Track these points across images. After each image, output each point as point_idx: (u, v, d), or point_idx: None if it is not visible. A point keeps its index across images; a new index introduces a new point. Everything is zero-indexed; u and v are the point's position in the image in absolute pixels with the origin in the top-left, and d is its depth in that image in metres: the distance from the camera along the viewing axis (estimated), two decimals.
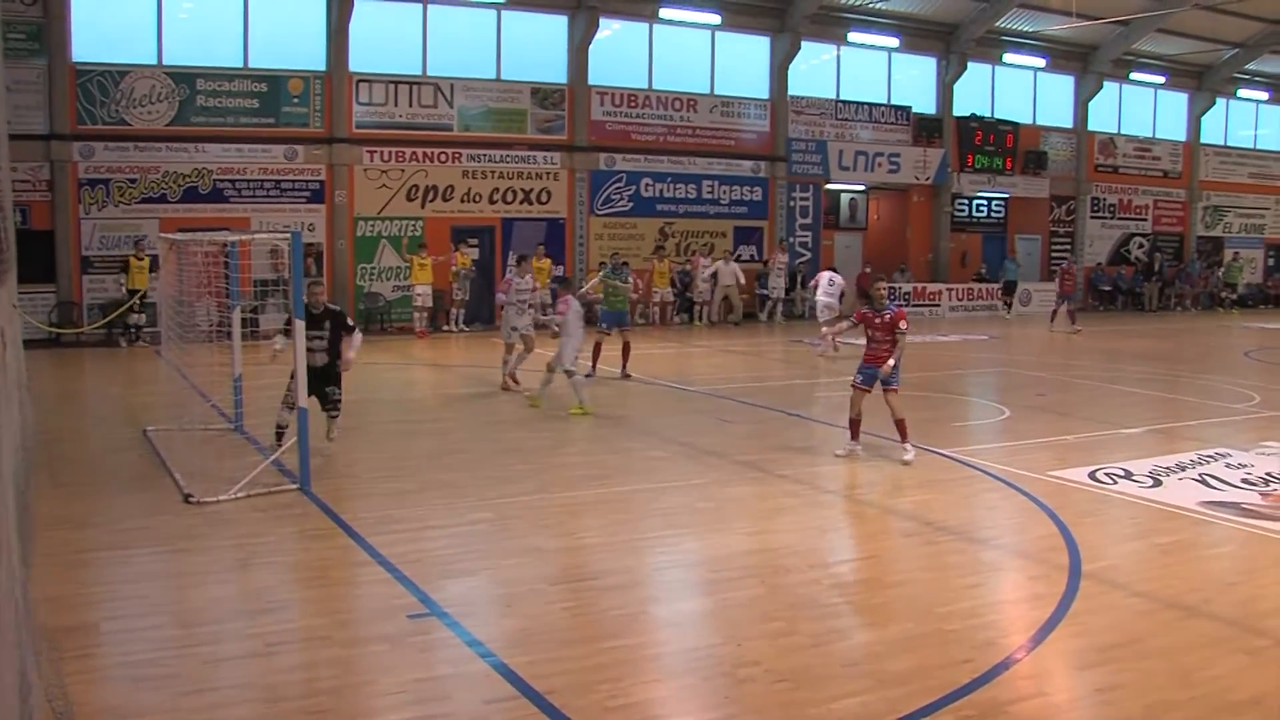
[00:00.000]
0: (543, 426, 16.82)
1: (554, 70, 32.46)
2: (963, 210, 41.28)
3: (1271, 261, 52.16)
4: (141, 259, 26.73)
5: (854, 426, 15.04)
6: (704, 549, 10.76)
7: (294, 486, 12.28)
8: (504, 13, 31.52)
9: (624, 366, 22.02)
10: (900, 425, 14.72)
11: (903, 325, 14.69)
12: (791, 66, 35.76)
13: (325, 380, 14.22)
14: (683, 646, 8.32)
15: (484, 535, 10.93)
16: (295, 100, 29.40)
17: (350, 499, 12.12)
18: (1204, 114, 47.92)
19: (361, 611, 8.88)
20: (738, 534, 11.20)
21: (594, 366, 21.83)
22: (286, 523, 11.20)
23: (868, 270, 34.14)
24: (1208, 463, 15.04)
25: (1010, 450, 15.69)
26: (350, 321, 14.49)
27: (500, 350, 20.88)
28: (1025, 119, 42.14)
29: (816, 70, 37.03)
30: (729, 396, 19.90)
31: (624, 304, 22.58)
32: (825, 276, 26.94)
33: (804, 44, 35.48)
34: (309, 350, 13.09)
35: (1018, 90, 42.16)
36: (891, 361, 14.59)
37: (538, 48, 32.18)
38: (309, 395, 12.83)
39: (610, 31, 33.00)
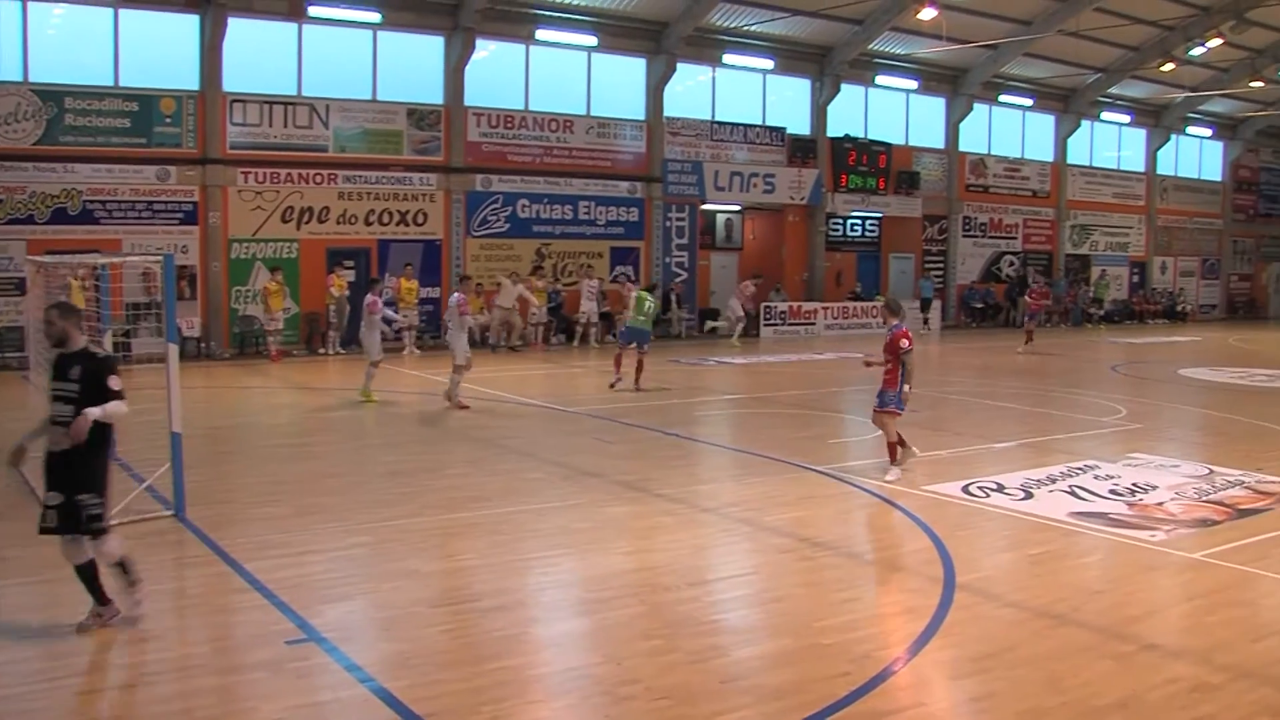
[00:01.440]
0: (420, 449, 16.75)
1: (430, 91, 32.35)
2: (837, 230, 41.84)
3: (1136, 278, 53.60)
4: None
5: (893, 450, 15.19)
6: (583, 569, 10.79)
7: (169, 513, 12.08)
8: (380, 33, 31.32)
9: (637, 380, 23.25)
10: (892, 448, 15.16)
11: (905, 344, 14.97)
12: (667, 88, 36.03)
13: (66, 477, 8.65)
14: (563, 666, 8.34)
15: (362, 559, 10.86)
16: (168, 120, 28.95)
17: (227, 525, 11.94)
18: (1070, 136, 49.18)
19: (239, 638, 8.79)
20: (616, 553, 11.25)
21: (618, 373, 23.74)
22: (161, 550, 11.02)
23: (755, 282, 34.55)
24: (1077, 475, 15.42)
25: (885, 466, 15.74)
26: (113, 383, 8.62)
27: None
28: (898, 140, 42.87)
29: (692, 92, 37.32)
30: (607, 417, 19.95)
31: (649, 324, 23.90)
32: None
33: (680, 66, 35.77)
34: (50, 420, 8.79)
35: (890, 112, 42.86)
36: (908, 387, 15.01)
37: (414, 68, 32.05)
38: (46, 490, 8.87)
39: (487, 52, 32.98)
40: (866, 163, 41.14)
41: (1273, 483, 15.30)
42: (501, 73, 33.46)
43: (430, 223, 32.32)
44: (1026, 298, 38.83)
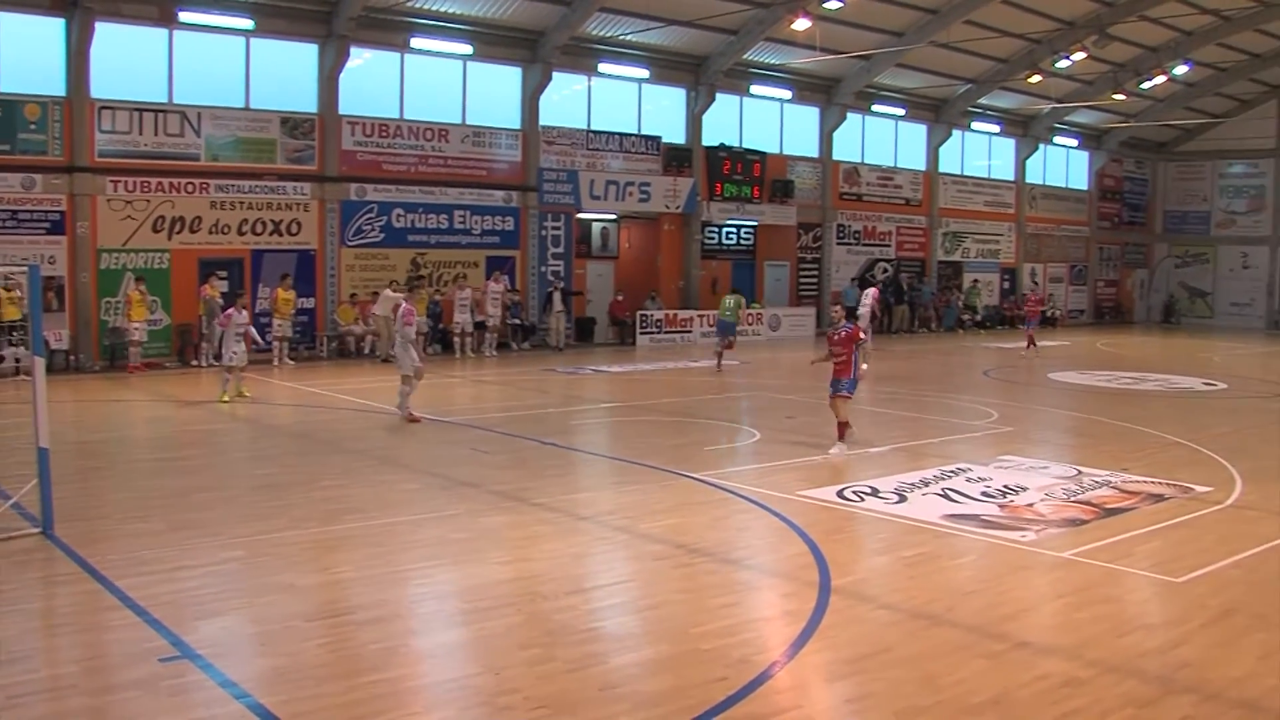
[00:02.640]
0: (295, 461, 16.56)
1: (304, 99, 31.93)
2: (712, 238, 42.08)
3: (1007, 284, 54.65)
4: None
5: (842, 430, 17.70)
6: (460, 579, 10.79)
7: (36, 530, 11.80)
8: (252, 40, 30.85)
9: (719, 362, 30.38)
10: (841, 427, 17.60)
11: (862, 337, 18.01)
12: (543, 97, 35.96)
13: None
14: (442, 678, 8.33)
15: (236, 574, 10.72)
16: (32, 127, 28.23)
17: (97, 541, 11.70)
18: (941, 145, 50.01)
19: (111, 657, 8.63)
20: (493, 563, 11.23)
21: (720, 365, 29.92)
22: (28, 569, 10.79)
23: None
24: (950, 478, 15.72)
25: (761, 472, 16.08)
26: None
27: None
28: (773, 149, 43.21)
29: (568, 101, 37.33)
30: (483, 427, 19.90)
31: (733, 318, 31.33)
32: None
33: (555, 75, 35.75)
34: None
35: (765, 121, 43.21)
36: (865, 365, 18.16)
37: (287, 76, 31.58)
38: None
39: (361, 60, 32.65)
40: (741, 171, 41.44)
41: (1138, 482, 15.75)
42: (376, 81, 33.15)
43: (304, 232, 31.93)
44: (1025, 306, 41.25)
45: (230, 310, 22.86)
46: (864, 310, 34.26)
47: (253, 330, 23.36)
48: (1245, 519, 13.96)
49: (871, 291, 36.29)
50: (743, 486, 14.87)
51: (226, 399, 22.21)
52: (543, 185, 36.15)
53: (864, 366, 18.06)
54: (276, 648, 8.75)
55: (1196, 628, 9.80)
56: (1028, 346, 37.88)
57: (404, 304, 20.99)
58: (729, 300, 31.42)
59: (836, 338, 17.82)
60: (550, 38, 34.89)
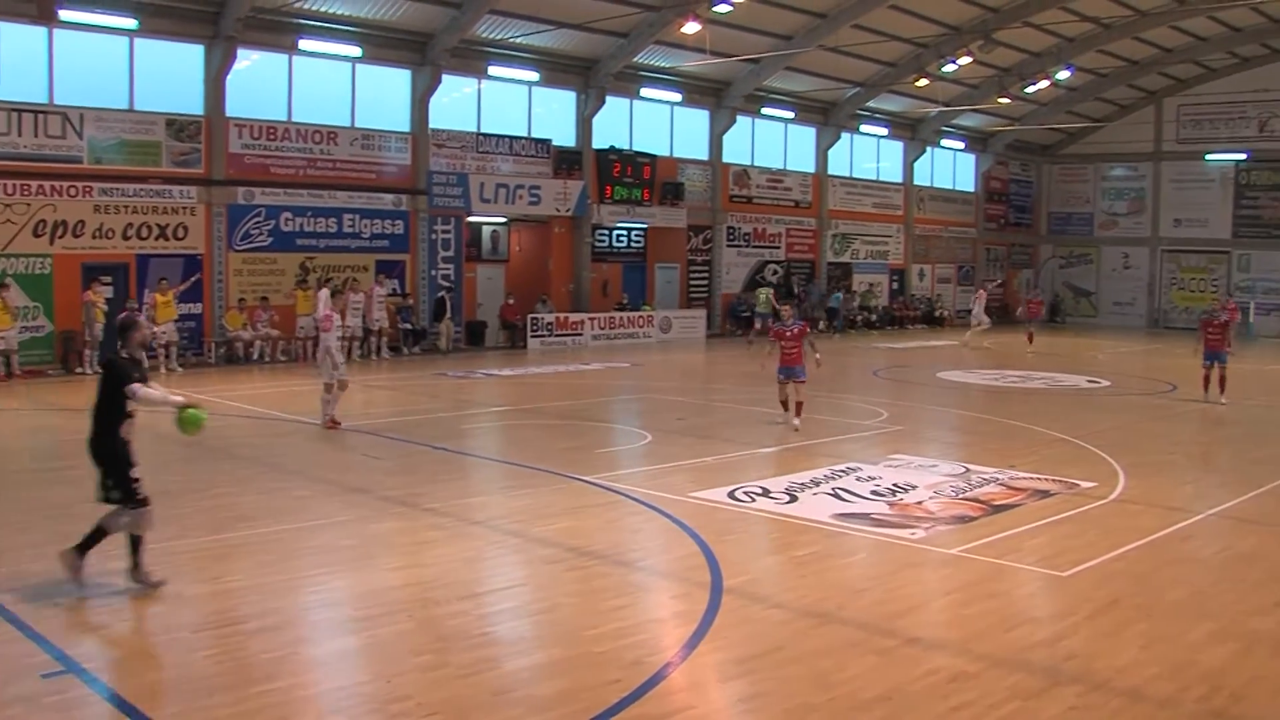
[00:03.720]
0: (184, 469, 16.24)
1: (190, 101, 31.35)
2: (603, 241, 42.11)
3: (895, 285, 55.33)
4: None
5: (785, 405, 20.89)
6: (351, 586, 10.73)
7: None
8: (137, 40, 30.27)
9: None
10: (799, 406, 20.50)
11: (809, 331, 21.14)
12: (433, 100, 35.77)
13: None
14: (333, 686, 8.30)
15: (122, 585, 10.48)
16: None
17: None
18: (830, 147, 50.49)
19: None
20: (385, 569, 11.20)
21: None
22: None
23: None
24: (840, 477, 15.94)
25: (652, 474, 16.20)
26: None
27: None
28: (663, 151, 43.35)
29: (458, 103, 37.12)
30: (375, 432, 19.77)
31: (769, 309, 35.77)
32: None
33: (445, 77, 35.55)
34: None
35: (655, 124, 43.38)
36: (819, 356, 21.51)
37: (173, 78, 30.97)
38: None
39: (249, 62, 32.21)
40: (631, 174, 41.50)
41: (1025, 479, 16.14)
42: (264, 83, 32.70)
43: (191, 237, 31.40)
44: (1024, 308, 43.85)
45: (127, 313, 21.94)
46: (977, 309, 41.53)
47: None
48: (1128, 513, 14.34)
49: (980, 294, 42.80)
50: (634, 489, 14.94)
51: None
52: (432, 188, 35.94)
53: (819, 357, 21.54)
54: (164, 659, 8.67)
55: (1082, 620, 10.06)
56: (1029, 341, 40.86)
57: (322, 307, 20.73)
58: (761, 294, 40.10)
59: (789, 334, 20.64)
60: (440, 40, 34.70)
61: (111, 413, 10.27)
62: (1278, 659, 9.27)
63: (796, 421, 20.35)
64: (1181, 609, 10.51)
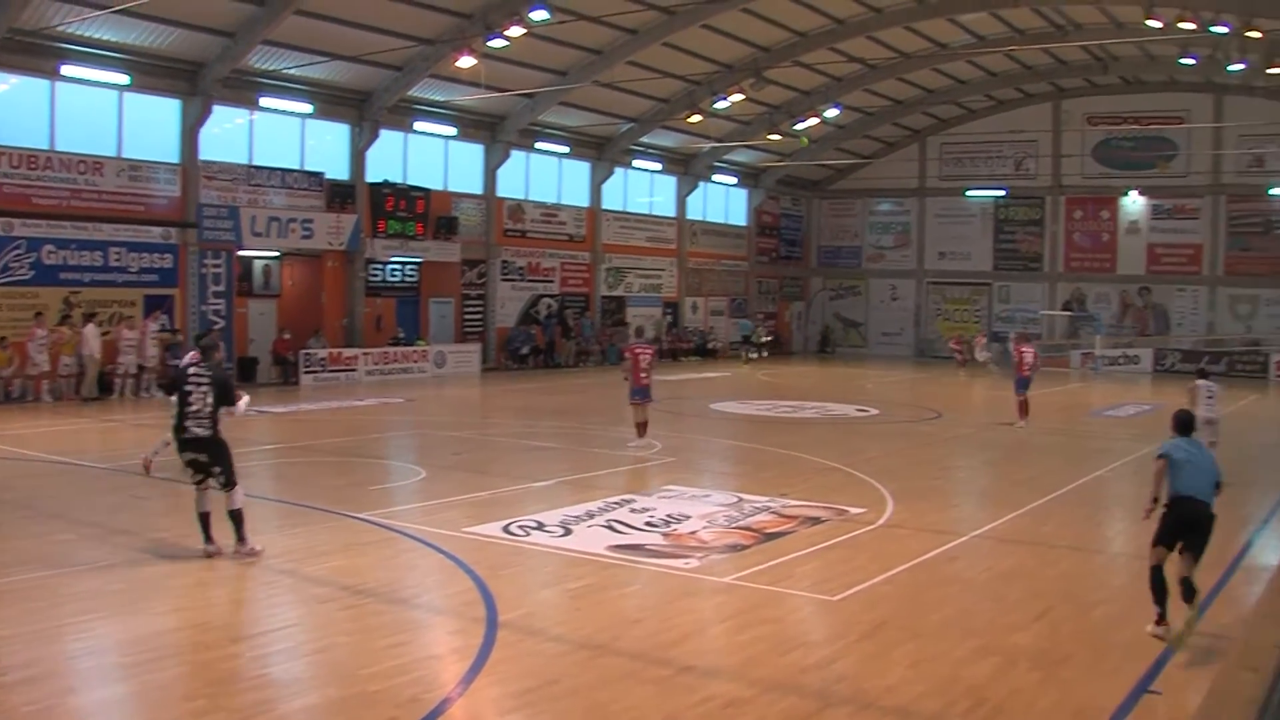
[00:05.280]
0: None
1: None
2: (377, 275, 41.99)
3: (669, 318, 56.33)
4: None
5: (640, 428, 22.59)
6: (120, 632, 10.57)
7: None
8: None
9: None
10: (642, 427, 22.43)
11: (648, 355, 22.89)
12: (203, 130, 35.31)
13: None
14: None
15: None
16: None
17: None
18: (604, 182, 51.23)
19: None
20: (155, 613, 11.11)
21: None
22: None
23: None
24: (615, 509, 16.28)
25: (427, 510, 16.32)
26: None
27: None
28: (437, 185, 43.45)
29: (229, 134, 36.70)
30: (139, 472, 19.45)
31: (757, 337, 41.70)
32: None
33: (216, 108, 35.14)
34: None
35: (429, 157, 43.47)
36: (647, 378, 22.55)
37: None
38: None
39: (8, 86, 31.43)
40: (405, 208, 41.51)
41: (796, 507, 16.74)
42: (24, 110, 31.90)
43: None
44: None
45: None
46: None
47: None
48: (895, 537, 15.06)
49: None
50: (409, 525, 15.04)
51: None
52: (202, 221, 35.39)
53: (647, 378, 22.82)
54: None
55: (852, 642, 10.60)
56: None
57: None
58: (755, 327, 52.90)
59: (650, 354, 22.86)
60: (211, 70, 34.28)
61: None
62: (1036, 671, 9.88)
63: (635, 443, 22.43)
64: (947, 628, 11.12)
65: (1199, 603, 10.85)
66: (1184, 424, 11.54)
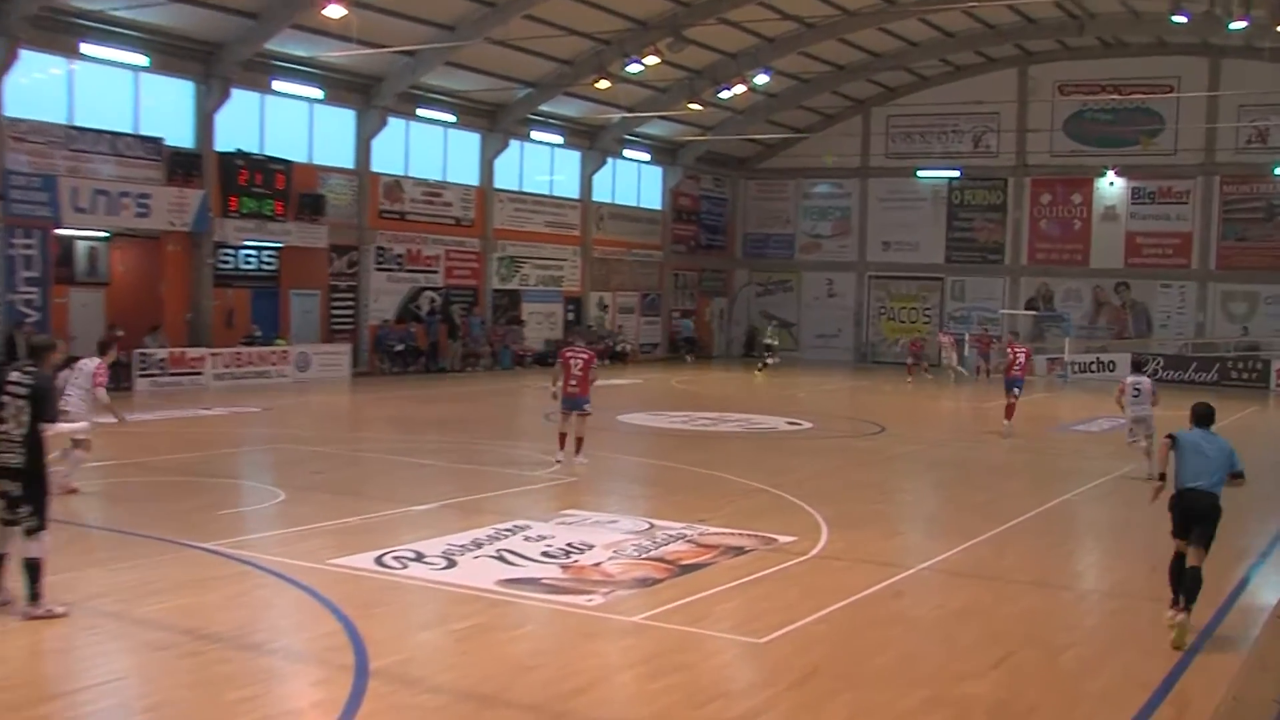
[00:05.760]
0: None
1: None
2: (228, 262, 41.05)
3: (571, 315, 55.83)
4: None
5: (563, 441, 22.51)
6: None
7: None
8: None
9: None
10: (580, 442, 22.37)
11: (595, 362, 23.30)
12: (8, 80, 33.94)
13: None
14: None
15: None
16: None
17: None
18: (497, 157, 50.70)
19: None
20: None
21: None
22: None
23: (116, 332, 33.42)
24: (506, 537, 16.15)
25: (286, 538, 16.14)
26: None
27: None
28: (301, 157, 42.70)
29: (44, 87, 35.51)
30: None
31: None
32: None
33: (24, 54, 33.66)
34: None
35: (292, 125, 42.77)
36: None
37: None
38: None
39: None
40: (262, 183, 40.61)
41: (717, 534, 16.65)
42: None
43: None
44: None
45: None
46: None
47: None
48: (831, 570, 14.95)
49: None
50: (264, 557, 14.79)
51: None
52: (10, 192, 34.29)
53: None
54: None
55: (781, 691, 10.44)
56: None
57: (98, 360, 19.62)
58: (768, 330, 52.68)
59: (582, 360, 22.65)
60: (19, 6, 32.90)
61: None
62: None
63: (581, 459, 22.31)
64: (890, 675, 11.01)
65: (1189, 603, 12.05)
66: (1201, 416, 12.84)
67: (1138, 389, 22.73)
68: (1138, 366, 25.09)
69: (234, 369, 39.29)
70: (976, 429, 31.72)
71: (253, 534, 16.45)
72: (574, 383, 22.43)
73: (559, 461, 22.26)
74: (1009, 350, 32.04)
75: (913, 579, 14.85)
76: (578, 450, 22.29)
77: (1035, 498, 21.30)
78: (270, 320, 42.38)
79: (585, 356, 22.87)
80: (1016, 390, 30.28)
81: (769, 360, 51.83)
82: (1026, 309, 58.55)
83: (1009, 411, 30.12)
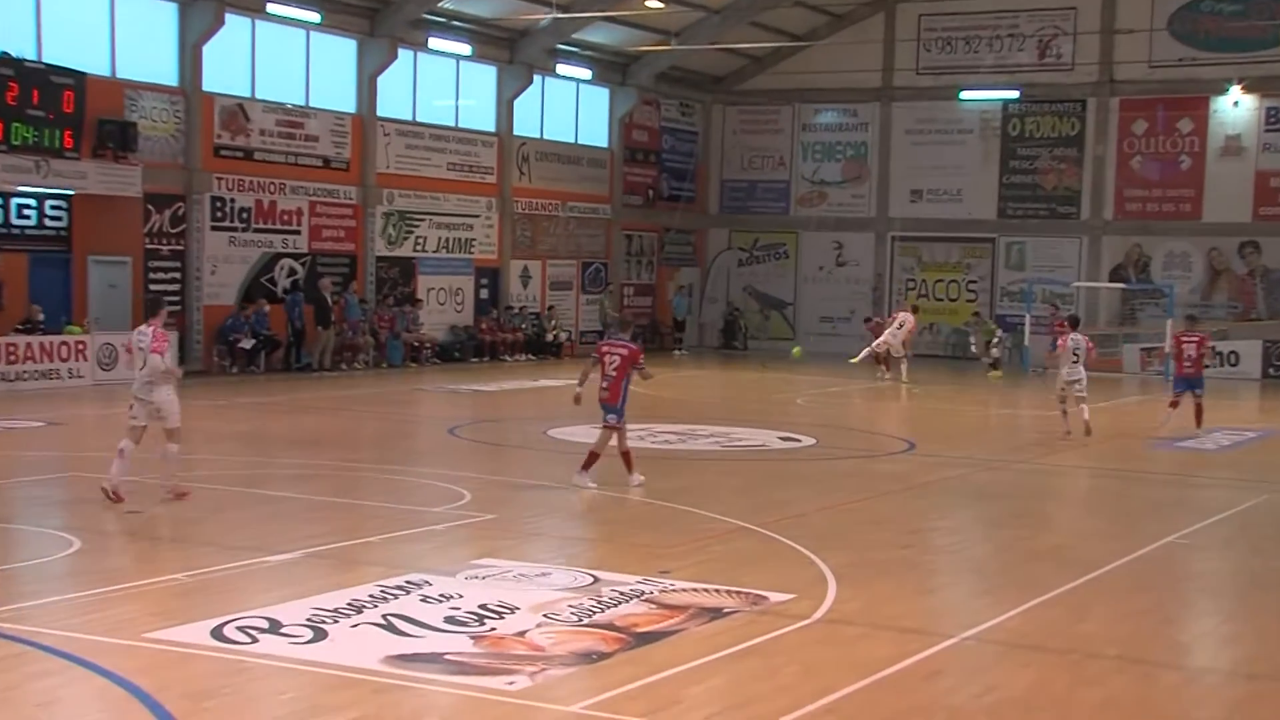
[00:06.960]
0: None
1: None
2: None
3: (485, 293, 55.54)
4: None
5: (592, 459, 23.79)
6: None
7: None
8: None
9: None
10: (593, 457, 23.79)
11: (641, 358, 24.06)
12: None
13: None
14: None
15: None
16: None
17: None
18: (381, 73, 50.53)
19: None
20: None
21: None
22: None
23: None
24: (396, 597, 16.02)
25: (82, 605, 15.86)
26: None
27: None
28: (100, 69, 42.39)
29: None
30: None
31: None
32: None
33: None
34: None
35: (84, 20, 42.57)
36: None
37: None
38: None
39: None
40: (41, 103, 40.08)
41: (685, 591, 16.54)
42: None
43: None
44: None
45: None
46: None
47: None
48: (842, 638, 14.88)
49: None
50: (49, 631, 14.47)
51: None
52: None
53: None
54: None
55: None
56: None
57: (152, 327, 20.69)
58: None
59: (623, 354, 23.72)
60: None
61: None
62: None
63: (637, 478, 23.96)
64: None
65: None
66: None
67: (1078, 348, 26.50)
68: (1075, 322, 28.42)
69: (6, 368, 39.02)
70: (1042, 444, 31.58)
71: (32, 599, 16.07)
72: (605, 385, 23.53)
73: (595, 486, 23.88)
74: (1174, 341, 34.20)
75: (954, 652, 14.68)
76: (587, 465, 23.79)
77: (1125, 541, 21.12)
78: (58, 299, 42.08)
79: (623, 353, 23.83)
80: (1198, 390, 32.61)
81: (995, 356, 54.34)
82: (1112, 280, 58.48)
83: (1197, 416, 32.87)
